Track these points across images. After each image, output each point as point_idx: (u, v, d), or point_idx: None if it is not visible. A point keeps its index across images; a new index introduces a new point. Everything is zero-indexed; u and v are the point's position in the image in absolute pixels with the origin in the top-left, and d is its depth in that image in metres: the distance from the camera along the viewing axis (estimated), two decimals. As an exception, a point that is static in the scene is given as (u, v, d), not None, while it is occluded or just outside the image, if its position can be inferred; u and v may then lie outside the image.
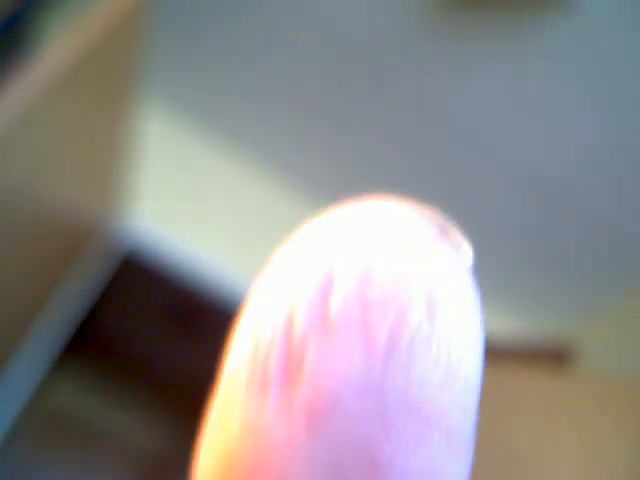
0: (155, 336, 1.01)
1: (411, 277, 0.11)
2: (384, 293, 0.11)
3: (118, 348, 1.02)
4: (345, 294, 0.11)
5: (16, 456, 0.93)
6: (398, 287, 0.11)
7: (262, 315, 0.12)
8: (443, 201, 0.30)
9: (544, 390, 0.81)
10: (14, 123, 0.62)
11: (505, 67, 0.88)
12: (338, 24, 0.91)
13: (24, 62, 0.64)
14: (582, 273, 1.02)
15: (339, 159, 1.04)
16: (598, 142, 0.89)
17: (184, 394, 0.98)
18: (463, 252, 0.12)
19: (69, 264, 0.90)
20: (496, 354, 0.84)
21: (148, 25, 0.82)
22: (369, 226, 0.12)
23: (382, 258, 0.12)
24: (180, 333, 1.01)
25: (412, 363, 0.11)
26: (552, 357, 0.94)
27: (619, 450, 0.79)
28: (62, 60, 0.65)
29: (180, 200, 1.02)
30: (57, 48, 0.66)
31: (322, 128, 1.01)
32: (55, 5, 0.73)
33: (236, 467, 0.11)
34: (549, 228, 0.99)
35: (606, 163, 0.91)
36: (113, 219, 0.96)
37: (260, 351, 0.12)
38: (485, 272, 0.23)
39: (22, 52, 0.68)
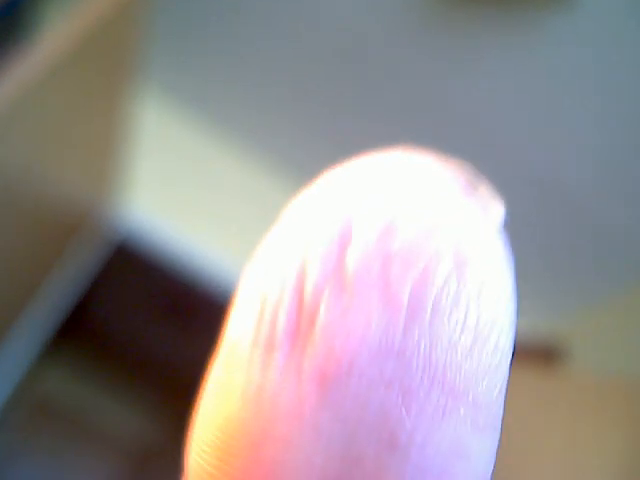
0: (147, 325, 1.01)
1: (438, 231, 0.10)
2: (407, 247, 0.10)
3: (109, 337, 1.02)
4: (364, 247, 0.10)
5: (3, 443, 0.93)
6: (423, 241, 0.10)
7: (270, 268, 0.11)
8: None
9: (534, 388, 0.81)
10: (10, 109, 0.61)
11: (505, 63, 0.88)
12: (337, 13, 0.90)
13: (21, 48, 0.64)
14: (572, 272, 1.02)
15: (336, 149, 1.04)
16: (596, 139, 0.89)
17: (175, 384, 0.98)
18: (493, 208, 0.11)
19: (61, 251, 0.90)
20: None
21: (147, 12, 0.82)
22: (393, 177, 0.11)
23: (406, 210, 0.10)
24: (172, 323, 1.01)
25: (437, 325, 0.10)
26: (542, 356, 0.94)
27: (607, 448, 0.79)
28: (59, 46, 0.65)
29: (175, 189, 1.01)
30: (55, 34, 0.66)
31: (320, 118, 1.01)
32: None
33: (237, 438, 0.10)
34: (540, 227, 0.99)
35: (604, 161, 0.91)
36: (107, 207, 0.95)
37: (267, 308, 0.10)
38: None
39: (19, 38, 0.67)
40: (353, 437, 0.09)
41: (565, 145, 0.91)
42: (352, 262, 0.10)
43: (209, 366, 0.11)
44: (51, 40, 0.65)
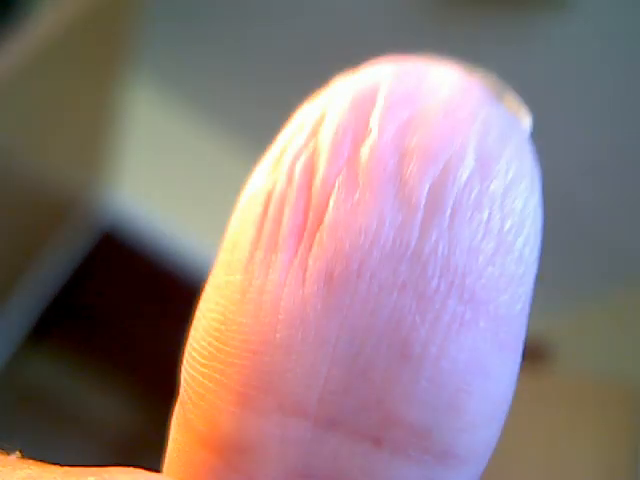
0: (133, 313, 1.01)
1: (462, 127, 0.09)
2: (428, 142, 0.09)
3: (95, 324, 1.02)
4: (381, 140, 0.09)
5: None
6: (445, 136, 0.09)
7: (278, 162, 0.10)
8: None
9: (519, 387, 0.81)
10: (-1, 91, 0.61)
11: (501, 64, 0.88)
12: (336, 9, 0.90)
13: (12, 31, 0.63)
14: (559, 272, 1.02)
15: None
16: (590, 138, 0.89)
17: (161, 372, 0.98)
18: (521, 115, 0.10)
19: (48, 237, 0.89)
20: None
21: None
22: (418, 76, 0.10)
23: (429, 106, 0.09)
24: (158, 310, 1.00)
25: (457, 227, 0.09)
26: (528, 355, 0.94)
27: (590, 447, 0.80)
28: (51, 30, 0.64)
29: (163, 177, 1.01)
30: (46, 18, 0.65)
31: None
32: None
33: (234, 345, 0.09)
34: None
35: (594, 161, 0.91)
36: (95, 193, 0.95)
37: (272, 204, 0.09)
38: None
39: (10, 21, 0.66)
40: (361, 346, 0.09)
41: (557, 144, 0.91)
42: (366, 155, 0.09)
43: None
44: (42, 24, 0.64)
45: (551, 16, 0.82)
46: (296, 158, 0.09)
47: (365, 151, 0.09)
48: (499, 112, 0.10)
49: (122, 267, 1.00)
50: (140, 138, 0.98)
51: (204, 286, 0.10)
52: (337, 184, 0.09)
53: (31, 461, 0.09)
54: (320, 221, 0.09)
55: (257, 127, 1.05)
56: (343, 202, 0.09)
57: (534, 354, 0.92)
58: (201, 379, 0.09)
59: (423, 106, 0.09)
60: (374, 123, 0.09)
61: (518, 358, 0.09)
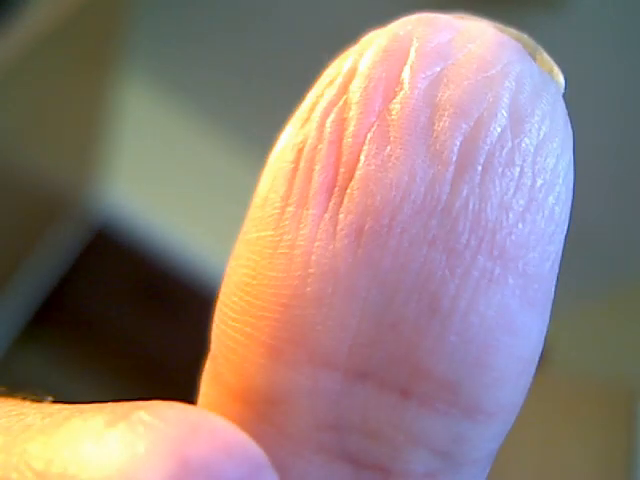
0: (125, 311, 1.00)
1: (494, 82, 0.09)
2: (460, 96, 0.09)
3: (88, 323, 1.01)
4: (412, 94, 0.09)
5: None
6: (477, 90, 0.09)
7: (307, 111, 0.10)
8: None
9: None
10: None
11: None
12: (327, 8, 0.89)
13: (3, 27, 0.62)
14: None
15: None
16: (584, 143, 0.89)
17: (154, 374, 0.97)
18: (555, 74, 0.10)
19: (41, 234, 0.88)
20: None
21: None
22: (445, 28, 0.10)
23: (461, 60, 0.09)
24: (151, 309, 1.00)
25: (489, 181, 0.09)
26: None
27: (586, 451, 0.80)
28: (42, 27, 0.64)
29: (158, 175, 1.00)
30: (37, 14, 0.64)
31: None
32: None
33: (265, 299, 0.09)
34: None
35: (593, 164, 0.91)
36: (88, 190, 0.94)
37: (302, 159, 0.09)
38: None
39: (1, 17, 0.66)
40: (391, 298, 0.09)
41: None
42: (397, 110, 0.09)
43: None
44: (33, 21, 0.63)
45: (548, 16, 0.82)
46: (327, 112, 0.09)
47: (396, 106, 0.09)
48: (532, 69, 0.10)
49: (115, 265, 0.99)
50: (134, 135, 0.97)
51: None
52: (368, 139, 0.09)
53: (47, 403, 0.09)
54: (351, 176, 0.09)
55: (251, 124, 1.04)
56: (374, 157, 0.09)
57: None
58: (232, 333, 0.09)
59: (455, 60, 0.09)
60: (405, 77, 0.09)
61: (547, 316, 0.09)
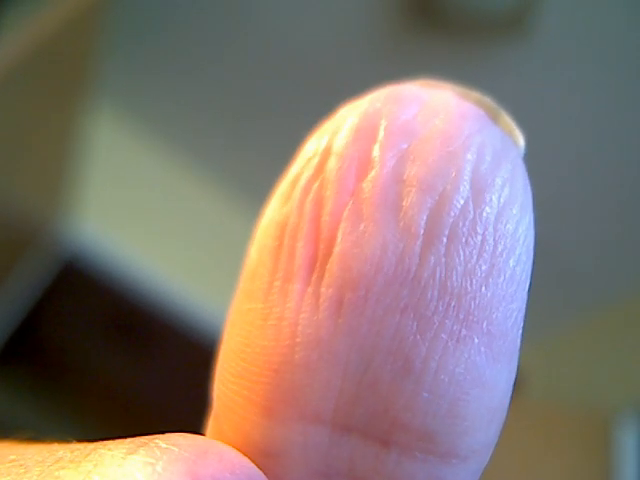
0: (95, 348, 0.98)
1: (456, 156, 0.10)
2: (425, 172, 0.10)
3: (56, 358, 0.99)
4: (382, 172, 0.10)
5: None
6: (440, 165, 0.10)
7: (289, 197, 0.11)
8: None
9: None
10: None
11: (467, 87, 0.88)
12: (301, 37, 0.90)
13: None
14: (530, 302, 1.03)
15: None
16: (549, 166, 0.90)
17: (124, 411, 0.95)
18: (515, 137, 0.11)
19: (8, 267, 0.87)
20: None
21: (104, 26, 0.80)
22: (411, 106, 0.11)
23: (424, 137, 0.10)
24: (121, 346, 0.98)
25: (454, 250, 0.10)
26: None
27: (560, 476, 0.79)
28: (12, 55, 0.63)
29: (127, 207, 0.99)
30: (6, 43, 0.64)
31: (279, 141, 1.00)
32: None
33: (258, 365, 0.10)
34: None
35: (561, 193, 0.92)
36: (57, 222, 0.93)
37: (285, 237, 0.10)
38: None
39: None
40: (369, 362, 0.10)
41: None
42: (369, 188, 0.10)
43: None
44: (1, 50, 0.63)
45: (511, 42, 0.84)
46: (306, 191, 0.10)
47: (368, 184, 0.10)
48: (493, 136, 0.10)
49: (84, 299, 0.98)
50: (104, 167, 0.96)
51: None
52: (344, 216, 0.10)
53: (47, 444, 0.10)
54: (330, 252, 0.10)
55: (223, 156, 1.04)
56: (349, 234, 0.10)
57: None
58: (231, 395, 0.10)
59: (421, 137, 0.10)
60: (376, 156, 0.10)
61: (513, 366, 0.10)
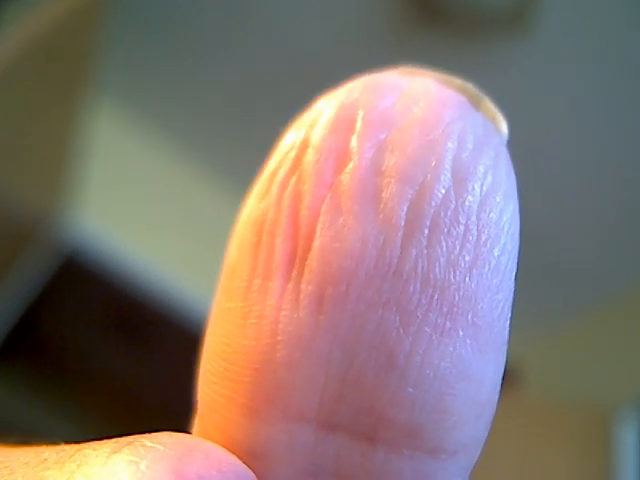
0: (95, 343, 0.98)
1: (436, 144, 0.10)
2: (404, 161, 0.10)
3: (56, 353, 0.99)
4: (360, 163, 0.10)
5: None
6: (420, 154, 0.10)
7: (264, 191, 0.11)
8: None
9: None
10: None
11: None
12: (300, 34, 0.90)
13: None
14: (525, 299, 1.03)
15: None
16: (549, 162, 0.90)
17: (123, 404, 0.95)
18: (497, 123, 0.11)
19: (8, 262, 0.87)
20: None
21: (105, 21, 0.80)
22: (391, 94, 0.10)
23: (404, 126, 0.10)
24: (122, 341, 0.98)
25: (436, 242, 0.09)
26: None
27: (559, 471, 0.79)
28: (12, 50, 0.63)
29: (128, 203, 0.99)
30: (6, 38, 0.64)
31: (279, 137, 1.00)
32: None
33: (239, 364, 0.10)
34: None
35: (556, 190, 0.92)
36: (57, 218, 0.93)
37: (264, 230, 0.10)
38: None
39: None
40: (352, 358, 0.09)
41: (516, 166, 0.92)
42: (348, 180, 0.10)
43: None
44: (5, 42, 0.63)
45: (512, 38, 0.83)
46: (284, 186, 0.10)
47: (346, 177, 0.10)
48: (475, 123, 0.10)
49: (84, 294, 0.98)
50: (105, 162, 0.96)
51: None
52: (322, 210, 0.10)
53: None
54: (309, 247, 0.10)
55: (222, 151, 1.04)
56: (328, 228, 0.10)
57: (504, 379, 0.91)
58: (214, 395, 0.10)
59: (399, 126, 0.10)
60: (354, 147, 0.10)
61: (501, 358, 0.10)
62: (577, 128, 0.88)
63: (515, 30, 0.82)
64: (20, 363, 0.96)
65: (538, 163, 0.91)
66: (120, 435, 0.09)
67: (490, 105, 0.11)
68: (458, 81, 0.11)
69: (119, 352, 0.98)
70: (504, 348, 0.10)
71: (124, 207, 0.99)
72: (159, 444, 0.09)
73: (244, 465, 0.09)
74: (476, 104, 0.11)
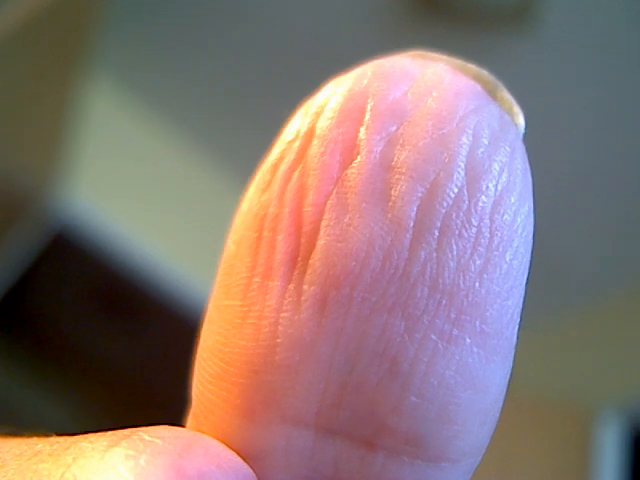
0: (83, 319, 0.98)
1: (449, 138, 0.09)
2: (415, 157, 0.09)
3: (43, 328, 0.99)
4: (369, 158, 0.09)
5: None
6: (433, 150, 0.09)
7: (266, 183, 0.10)
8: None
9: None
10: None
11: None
12: (301, 20, 0.89)
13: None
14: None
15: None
16: (544, 162, 0.90)
17: (109, 381, 0.95)
18: (514, 114, 0.10)
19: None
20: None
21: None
22: (400, 80, 0.10)
23: (416, 118, 0.09)
24: (110, 318, 0.98)
25: (446, 244, 0.09)
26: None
27: (540, 470, 0.80)
28: (8, 24, 0.62)
29: (121, 180, 0.99)
30: (4, 13, 0.63)
31: (275, 120, 1.00)
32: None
33: (237, 365, 0.09)
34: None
35: (553, 191, 0.92)
36: (48, 192, 0.92)
37: (265, 230, 0.10)
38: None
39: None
40: (354, 364, 0.09)
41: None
42: (355, 176, 0.09)
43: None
44: (2, 15, 0.62)
45: (519, 35, 0.83)
46: (287, 178, 0.10)
47: (353, 171, 0.09)
48: (491, 116, 0.10)
49: (73, 271, 0.98)
50: (99, 139, 0.96)
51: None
52: (327, 207, 0.09)
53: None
54: (312, 246, 0.09)
55: (216, 131, 1.04)
56: (333, 227, 0.09)
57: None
58: (210, 395, 0.10)
59: (411, 118, 0.09)
60: (362, 140, 0.09)
61: (508, 365, 0.10)
62: (578, 125, 0.88)
63: (518, 26, 0.82)
64: (6, 336, 0.96)
65: (539, 160, 0.91)
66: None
67: (506, 94, 0.10)
68: (473, 67, 0.10)
69: (106, 328, 0.98)
70: (512, 354, 0.10)
71: (117, 185, 0.98)
72: (157, 438, 0.08)
73: (243, 461, 0.09)
74: (492, 93, 0.10)
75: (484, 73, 0.10)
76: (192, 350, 0.11)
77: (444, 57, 0.10)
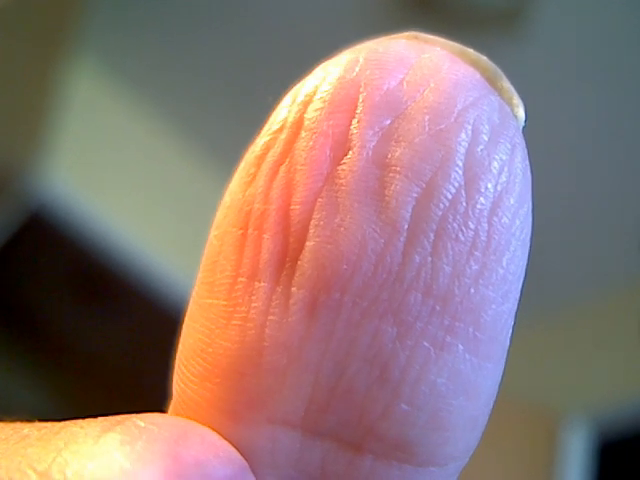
0: (57, 302, 0.97)
1: (447, 134, 0.09)
2: (410, 154, 0.09)
3: (18, 312, 0.98)
4: (360, 154, 0.09)
5: None
6: (429, 147, 0.09)
7: (251, 175, 0.09)
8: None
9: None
10: None
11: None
12: (293, 21, 0.89)
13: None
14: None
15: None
16: (544, 159, 0.91)
17: (85, 364, 0.94)
18: (514, 106, 0.09)
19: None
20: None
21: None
22: (395, 68, 0.09)
23: (412, 111, 0.09)
24: (85, 302, 0.97)
25: (442, 249, 0.08)
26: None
27: (505, 473, 0.81)
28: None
29: (100, 164, 0.98)
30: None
31: (259, 112, 1.00)
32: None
33: (221, 367, 0.09)
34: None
35: (553, 187, 0.93)
36: (26, 171, 0.91)
37: (250, 222, 0.09)
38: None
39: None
40: (343, 369, 0.09)
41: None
42: (346, 173, 0.09)
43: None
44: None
45: (507, 35, 0.83)
46: (273, 173, 0.09)
47: (344, 168, 0.09)
48: (491, 109, 0.09)
49: (47, 251, 0.97)
50: (79, 121, 0.95)
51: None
52: (317, 206, 0.09)
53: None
54: (301, 246, 0.09)
55: (197, 116, 1.03)
56: (323, 227, 0.09)
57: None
58: (193, 395, 0.09)
59: (406, 112, 0.09)
60: (354, 134, 0.09)
61: (499, 370, 0.09)
62: (571, 126, 0.89)
63: (510, 27, 0.82)
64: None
65: (532, 160, 0.91)
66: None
67: (506, 83, 0.10)
68: (471, 52, 0.10)
69: (82, 314, 0.97)
70: (504, 359, 0.09)
71: (96, 168, 0.97)
72: (153, 425, 0.08)
73: (236, 451, 0.09)
74: (491, 82, 0.09)
75: (483, 59, 0.10)
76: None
77: (441, 40, 0.10)
